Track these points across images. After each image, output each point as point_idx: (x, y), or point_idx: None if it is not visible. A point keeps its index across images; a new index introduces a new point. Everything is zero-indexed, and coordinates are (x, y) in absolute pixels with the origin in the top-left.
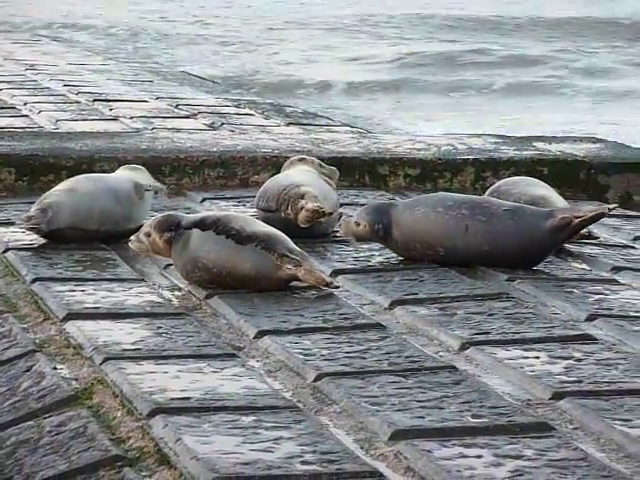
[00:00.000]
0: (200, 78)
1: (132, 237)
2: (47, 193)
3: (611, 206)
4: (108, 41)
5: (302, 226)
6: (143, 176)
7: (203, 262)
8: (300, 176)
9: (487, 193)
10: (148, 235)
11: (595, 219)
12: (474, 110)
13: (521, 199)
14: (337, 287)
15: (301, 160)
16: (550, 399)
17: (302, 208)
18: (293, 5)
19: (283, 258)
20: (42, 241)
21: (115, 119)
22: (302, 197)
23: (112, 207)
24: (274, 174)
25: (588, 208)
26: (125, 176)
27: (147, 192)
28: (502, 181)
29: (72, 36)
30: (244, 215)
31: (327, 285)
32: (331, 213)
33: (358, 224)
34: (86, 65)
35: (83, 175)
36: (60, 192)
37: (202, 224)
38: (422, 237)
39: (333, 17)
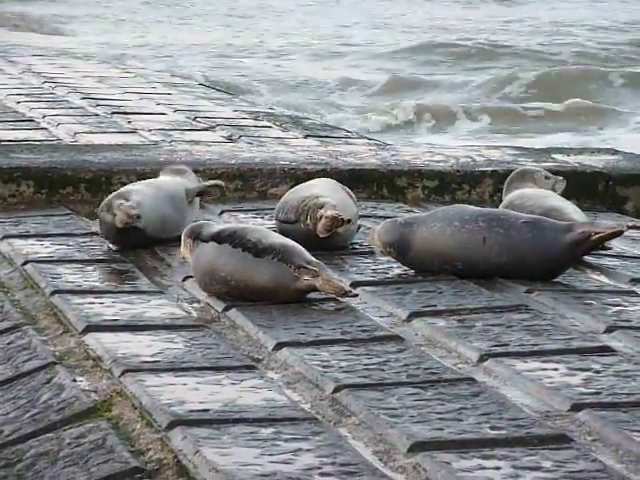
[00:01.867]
0: (218, 90)
1: None
2: (127, 190)
3: (630, 223)
4: (127, 55)
5: (321, 236)
6: (191, 178)
7: (221, 275)
8: (320, 187)
9: (502, 205)
10: (180, 239)
11: (614, 236)
12: None
13: (534, 211)
14: (356, 295)
15: None
16: (569, 411)
17: (321, 217)
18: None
19: (301, 269)
20: (60, 253)
21: (133, 132)
22: (321, 207)
23: (172, 215)
24: (292, 186)
25: (607, 224)
26: (177, 182)
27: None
28: (516, 193)
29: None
30: (260, 227)
31: (346, 294)
32: (350, 220)
33: (374, 237)
34: (105, 78)
35: (143, 182)
36: (139, 195)
37: (218, 237)
38: (439, 252)
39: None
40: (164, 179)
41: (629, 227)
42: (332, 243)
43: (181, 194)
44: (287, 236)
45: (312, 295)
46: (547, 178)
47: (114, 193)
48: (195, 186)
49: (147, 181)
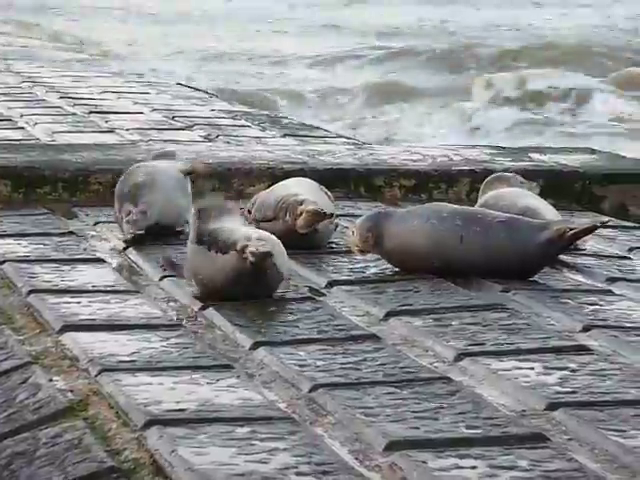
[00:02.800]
0: (195, 89)
1: None
2: (133, 185)
3: (605, 219)
4: (103, 56)
5: (301, 231)
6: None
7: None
8: (297, 186)
9: (477, 205)
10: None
11: (588, 231)
12: None
13: (510, 211)
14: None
15: None
16: (545, 410)
17: (302, 213)
18: None
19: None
20: (37, 253)
21: (111, 131)
22: (301, 203)
23: (183, 203)
24: (270, 185)
25: (581, 221)
26: (175, 167)
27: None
28: (491, 193)
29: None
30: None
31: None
32: (332, 215)
33: (353, 232)
34: (82, 77)
35: (151, 167)
36: (147, 188)
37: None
38: (416, 250)
39: None
40: (166, 166)
41: (604, 223)
42: (310, 241)
43: (185, 181)
44: None
45: (289, 294)
46: (522, 183)
47: (128, 190)
48: (186, 166)
49: (158, 169)
